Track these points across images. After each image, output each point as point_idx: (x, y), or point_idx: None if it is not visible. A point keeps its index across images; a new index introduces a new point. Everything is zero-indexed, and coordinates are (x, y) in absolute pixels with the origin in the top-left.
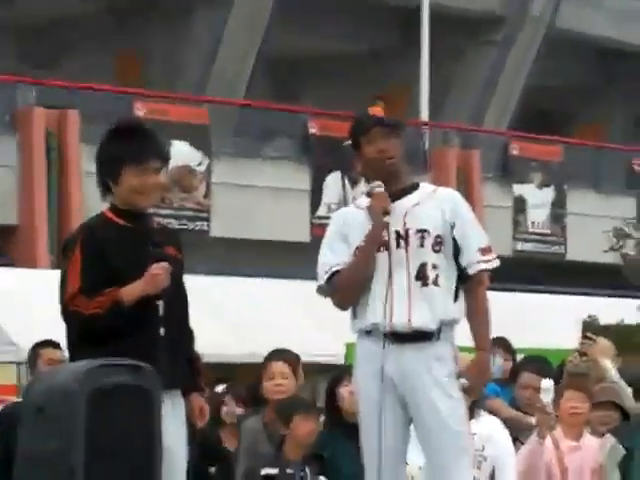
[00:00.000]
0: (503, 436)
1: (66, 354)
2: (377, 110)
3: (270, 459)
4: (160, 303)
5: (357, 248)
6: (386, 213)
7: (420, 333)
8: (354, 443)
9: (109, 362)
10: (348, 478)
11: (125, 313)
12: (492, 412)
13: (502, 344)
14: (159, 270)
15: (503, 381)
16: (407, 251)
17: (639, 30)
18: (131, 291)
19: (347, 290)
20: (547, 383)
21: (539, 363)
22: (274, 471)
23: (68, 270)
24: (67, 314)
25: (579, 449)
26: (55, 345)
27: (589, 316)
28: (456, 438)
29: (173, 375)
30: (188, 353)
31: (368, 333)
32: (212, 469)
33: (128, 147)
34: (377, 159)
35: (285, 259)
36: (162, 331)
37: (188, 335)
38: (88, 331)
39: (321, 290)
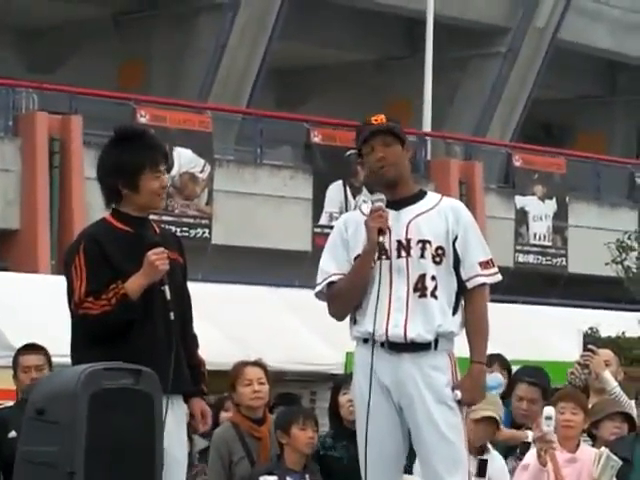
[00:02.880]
0: (497, 455)
1: (53, 359)
2: (380, 118)
3: (270, 467)
4: (165, 288)
5: (356, 258)
6: (381, 233)
7: (416, 344)
8: (355, 450)
9: (110, 366)
10: None
11: (133, 305)
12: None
13: (498, 360)
14: (155, 256)
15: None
16: (407, 261)
17: None
18: (134, 283)
19: (340, 302)
20: (549, 411)
21: (535, 374)
22: (273, 478)
23: (73, 277)
24: (77, 319)
25: (575, 460)
26: (36, 350)
27: (590, 328)
28: (451, 448)
29: (176, 379)
30: (192, 357)
31: (365, 341)
32: None
33: (143, 153)
34: (377, 167)
35: (286, 268)
36: (172, 315)
37: (192, 339)
38: (100, 331)
39: (320, 295)
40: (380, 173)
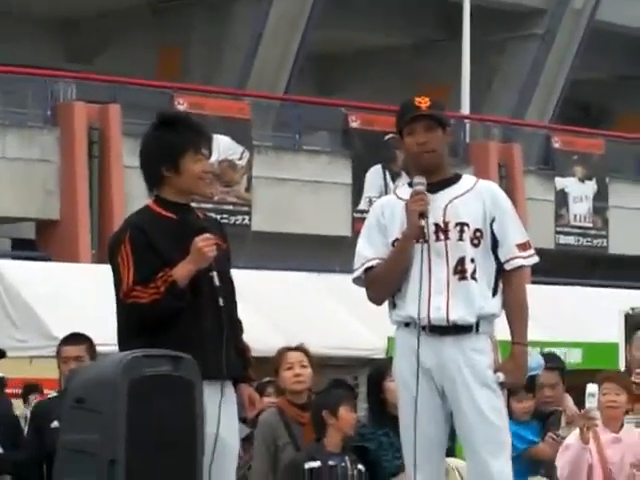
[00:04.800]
0: None
1: (106, 348)
2: (424, 100)
3: (311, 452)
4: (214, 274)
5: (394, 242)
6: (422, 216)
7: (458, 327)
8: (398, 436)
9: (150, 353)
10: (391, 471)
11: (182, 292)
12: (539, 458)
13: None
14: (203, 242)
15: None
16: (446, 244)
17: None
18: (182, 269)
19: (379, 287)
20: (592, 388)
21: (549, 359)
22: (317, 464)
23: (120, 266)
24: (126, 308)
25: (619, 441)
26: (76, 340)
27: (632, 309)
28: (495, 431)
29: (224, 365)
30: (238, 343)
31: (406, 325)
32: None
33: (186, 135)
34: (417, 151)
35: (326, 253)
36: (221, 301)
37: (237, 325)
38: (150, 319)
39: (357, 281)
40: (420, 158)
